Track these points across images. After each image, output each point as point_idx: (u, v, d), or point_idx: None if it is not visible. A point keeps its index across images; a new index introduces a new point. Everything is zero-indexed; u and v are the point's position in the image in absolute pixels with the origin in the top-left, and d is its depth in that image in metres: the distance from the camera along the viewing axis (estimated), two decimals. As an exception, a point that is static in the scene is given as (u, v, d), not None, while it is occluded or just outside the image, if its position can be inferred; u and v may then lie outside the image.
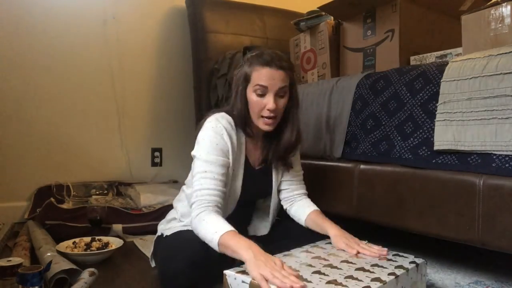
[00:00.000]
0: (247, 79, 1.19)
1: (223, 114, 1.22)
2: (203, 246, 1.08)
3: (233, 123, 1.21)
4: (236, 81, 1.23)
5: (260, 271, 0.87)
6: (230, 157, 1.18)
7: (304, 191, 1.39)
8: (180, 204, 1.34)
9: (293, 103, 1.23)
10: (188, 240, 1.16)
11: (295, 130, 1.25)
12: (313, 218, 1.28)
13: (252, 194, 1.33)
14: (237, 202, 1.27)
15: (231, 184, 1.22)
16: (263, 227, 1.40)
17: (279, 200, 1.39)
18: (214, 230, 1.03)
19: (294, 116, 1.24)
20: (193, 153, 1.20)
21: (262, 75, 1.15)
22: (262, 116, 1.18)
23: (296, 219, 1.34)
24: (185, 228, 1.27)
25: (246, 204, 1.33)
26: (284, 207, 1.39)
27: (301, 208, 1.33)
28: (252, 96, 1.18)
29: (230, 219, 1.15)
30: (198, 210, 1.10)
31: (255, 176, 1.29)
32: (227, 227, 1.03)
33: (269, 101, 1.15)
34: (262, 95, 1.16)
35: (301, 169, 1.42)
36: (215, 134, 1.16)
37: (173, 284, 1.11)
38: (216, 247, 1.02)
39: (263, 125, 1.19)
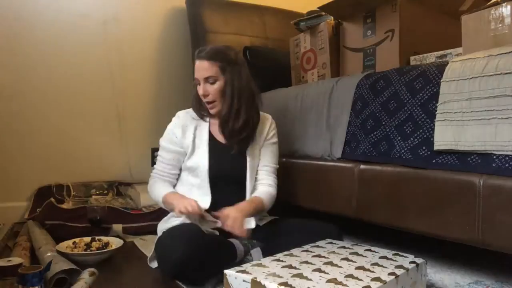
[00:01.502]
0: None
1: (188, 109, 1.50)
2: (197, 231, 1.23)
3: (190, 113, 1.49)
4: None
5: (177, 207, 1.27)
6: (188, 136, 1.43)
7: (269, 182, 1.48)
8: None
9: (234, 87, 1.39)
10: (183, 227, 1.28)
11: (234, 110, 1.39)
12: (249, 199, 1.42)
13: (224, 169, 1.42)
14: (210, 177, 1.39)
15: (194, 155, 1.43)
16: (250, 220, 1.41)
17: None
18: (160, 192, 1.40)
19: (228, 97, 1.39)
20: None
21: (195, 68, 1.41)
22: (205, 102, 1.42)
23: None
24: (181, 223, 1.34)
25: (224, 183, 1.42)
26: None
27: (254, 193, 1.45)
28: (197, 87, 1.43)
29: (220, 207, 1.32)
30: (151, 181, 1.47)
31: (222, 150, 1.44)
32: (170, 190, 1.42)
33: (201, 88, 1.41)
34: (199, 84, 1.42)
35: (275, 163, 1.53)
36: (170, 125, 1.48)
37: (168, 260, 1.17)
38: (162, 205, 1.41)
39: (209, 110, 1.44)
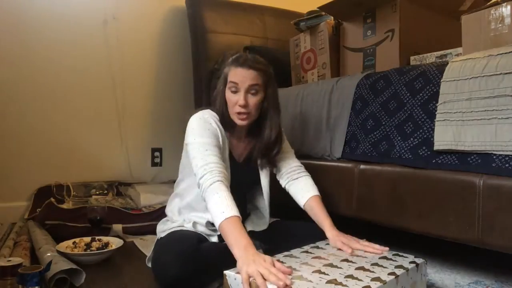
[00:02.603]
0: (225, 79, 1.30)
1: (208, 110, 1.33)
2: (193, 240, 1.17)
3: (217, 118, 1.32)
4: (219, 81, 1.35)
5: (248, 269, 0.89)
6: (221, 144, 1.27)
7: (299, 164, 1.43)
8: (170, 207, 1.43)
9: (270, 104, 1.32)
10: (179, 236, 1.24)
11: (274, 130, 1.33)
12: (312, 206, 1.32)
13: (238, 186, 1.32)
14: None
15: None
16: (262, 223, 1.42)
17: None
18: (222, 210, 1.06)
19: (272, 116, 1.33)
20: (186, 141, 1.27)
21: (235, 74, 1.27)
22: (236, 112, 1.28)
23: (295, 199, 1.38)
24: (179, 228, 1.32)
25: (235, 194, 1.33)
26: (283, 185, 1.42)
27: (301, 191, 1.37)
28: (227, 94, 1.29)
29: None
30: (212, 179, 1.13)
31: (239, 170, 1.34)
32: (234, 211, 1.06)
33: (240, 97, 1.26)
34: (235, 92, 1.28)
35: (294, 157, 1.45)
36: (204, 122, 1.27)
37: (163, 276, 1.14)
38: (216, 225, 1.07)
39: (237, 120, 1.29)
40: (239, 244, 0.99)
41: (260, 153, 1.37)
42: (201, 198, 1.17)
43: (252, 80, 1.27)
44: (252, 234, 1.35)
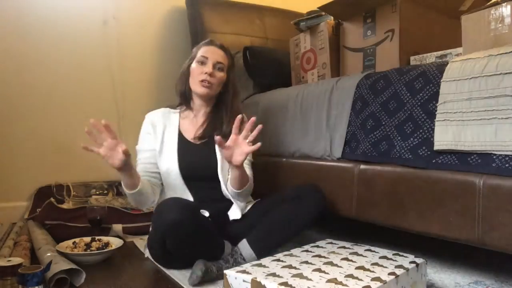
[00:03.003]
0: (192, 58, 1.48)
1: (158, 109, 1.55)
2: (195, 205, 1.28)
3: (165, 110, 1.53)
4: (184, 67, 1.51)
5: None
6: (158, 136, 1.46)
7: (247, 162, 1.49)
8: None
9: (229, 89, 1.49)
10: (181, 200, 1.27)
11: (228, 113, 1.46)
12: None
13: (194, 168, 1.42)
14: (182, 175, 1.40)
15: (164, 156, 1.44)
16: (233, 212, 1.44)
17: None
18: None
19: (229, 100, 1.48)
20: None
21: (206, 50, 1.46)
22: (200, 80, 1.43)
23: (228, 189, 1.43)
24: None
25: (198, 179, 1.43)
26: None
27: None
28: (194, 67, 1.46)
29: (212, 204, 1.38)
30: None
31: (192, 149, 1.46)
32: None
33: (208, 67, 1.43)
34: (203, 63, 1.44)
35: (250, 157, 1.51)
36: (142, 127, 1.51)
37: (162, 221, 1.18)
38: (126, 190, 1.32)
39: (200, 88, 1.43)
40: None
41: (212, 131, 1.46)
42: (174, 193, 1.39)
43: (220, 58, 1.46)
44: (234, 223, 1.40)
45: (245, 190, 1.40)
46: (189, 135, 1.48)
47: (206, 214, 1.36)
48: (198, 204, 1.36)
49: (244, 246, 1.29)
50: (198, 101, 1.50)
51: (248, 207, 1.48)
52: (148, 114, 1.54)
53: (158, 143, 1.46)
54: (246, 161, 1.47)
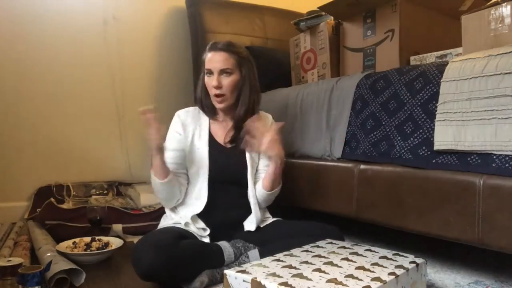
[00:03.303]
0: (203, 66, 1.42)
1: (188, 107, 1.49)
2: (174, 235, 1.20)
3: (196, 110, 1.47)
4: (201, 76, 1.45)
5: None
6: (188, 135, 1.41)
7: None
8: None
9: (245, 82, 1.41)
10: (162, 230, 1.28)
11: (244, 105, 1.41)
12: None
13: (225, 171, 1.39)
14: (211, 178, 1.37)
15: (194, 158, 1.40)
16: (249, 223, 1.41)
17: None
18: (152, 175, 1.33)
19: (245, 93, 1.41)
20: None
21: (209, 60, 1.39)
22: (213, 95, 1.39)
23: (258, 190, 1.42)
24: (172, 225, 1.36)
25: (223, 185, 1.39)
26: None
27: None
28: (206, 79, 1.41)
29: (226, 211, 1.36)
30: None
31: (224, 153, 1.43)
32: None
33: (213, 80, 1.37)
34: (209, 76, 1.39)
35: None
36: (171, 124, 1.46)
37: (138, 265, 1.14)
38: (157, 179, 1.31)
39: (216, 103, 1.40)
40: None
41: (236, 131, 1.42)
42: (190, 193, 1.38)
43: (223, 63, 1.37)
44: (247, 234, 1.36)
45: (274, 192, 1.42)
46: (220, 139, 1.44)
47: (207, 232, 1.33)
48: (182, 230, 1.31)
49: (254, 256, 1.26)
50: (220, 110, 1.46)
51: (265, 223, 1.44)
52: (179, 112, 1.47)
53: (188, 144, 1.41)
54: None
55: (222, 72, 1.37)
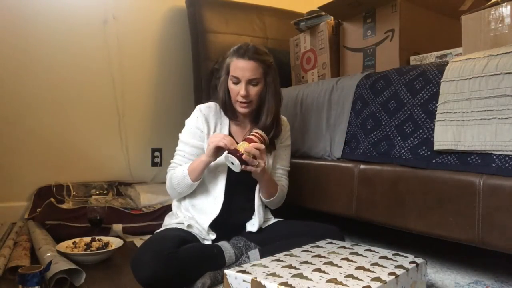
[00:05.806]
0: (227, 70, 1.39)
1: (209, 102, 1.47)
2: (174, 242, 1.18)
3: (217, 107, 1.45)
4: (221, 71, 1.44)
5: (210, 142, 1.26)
6: (210, 131, 1.40)
7: (283, 183, 1.48)
8: (176, 202, 1.45)
9: (269, 91, 1.40)
10: (162, 236, 1.26)
11: (270, 114, 1.40)
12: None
13: (244, 173, 1.35)
14: (228, 178, 1.37)
15: None
16: (251, 224, 1.41)
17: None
18: (181, 170, 1.35)
19: (269, 102, 1.40)
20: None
21: (236, 67, 1.35)
22: (238, 101, 1.38)
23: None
24: (175, 226, 1.35)
25: (237, 186, 1.39)
26: None
27: None
28: (230, 85, 1.39)
29: (235, 214, 1.36)
30: (169, 174, 1.41)
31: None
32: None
33: (241, 88, 1.35)
34: (236, 84, 1.37)
35: (287, 166, 1.52)
36: (192, 118, 1.43)
37: (138, 275, 1.14)
38: (189, 179, 1.32)
39: (239, 108, 1.40)
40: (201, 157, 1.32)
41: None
42: (204, 192, 1.38)
43: (251, 72, 1.35)
44: (249, 235, 1.36)
45: (274, 199, 1.43)
46: (239, 140, 1.40)
47: (213, 236, 1.33)
48: (183, 234, 1.30)
49: (254, 256, 1.26)
50: (242, 114, 1.44)
51: (267, 224, 1.44)
52: (200, 107, 1.44)
53: (208, 139, 1.38)
54: (280, 170, 1.49)
55: (250, 81, 1.35)
